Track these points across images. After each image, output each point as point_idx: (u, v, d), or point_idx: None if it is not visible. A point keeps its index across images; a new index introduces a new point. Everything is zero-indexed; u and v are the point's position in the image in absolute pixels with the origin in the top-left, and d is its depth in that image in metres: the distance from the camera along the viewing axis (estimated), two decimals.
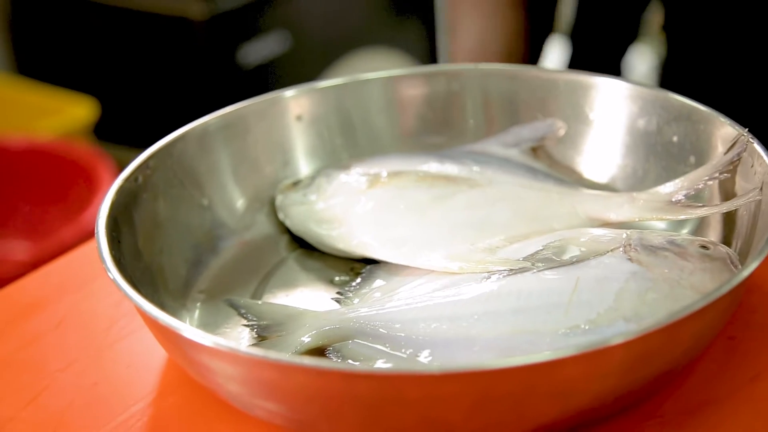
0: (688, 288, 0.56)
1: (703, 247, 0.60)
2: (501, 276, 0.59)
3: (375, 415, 0.50)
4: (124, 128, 1.92)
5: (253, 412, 0.55)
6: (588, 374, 0.49)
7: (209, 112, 0.72)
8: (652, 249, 0.59)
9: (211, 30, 1.83)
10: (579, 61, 1.38)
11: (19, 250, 1.50)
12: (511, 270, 0.59)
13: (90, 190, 1.44)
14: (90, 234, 1.32)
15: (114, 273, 0.56)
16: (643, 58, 2.12)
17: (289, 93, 0.75)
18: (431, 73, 0.78)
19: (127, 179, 0.65)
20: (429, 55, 2.18)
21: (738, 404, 0.55)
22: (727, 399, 0.55)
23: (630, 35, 1.45)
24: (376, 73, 0.77)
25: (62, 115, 1.70)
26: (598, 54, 1.40)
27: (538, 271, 0.58)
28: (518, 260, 0.60)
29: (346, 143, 0.76)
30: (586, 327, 0.54)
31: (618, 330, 0.53)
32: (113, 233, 0.61)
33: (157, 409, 0.58)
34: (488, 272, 0.60)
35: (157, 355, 0.63)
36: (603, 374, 0.49)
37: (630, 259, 0.58)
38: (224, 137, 0.73)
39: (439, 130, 0.77)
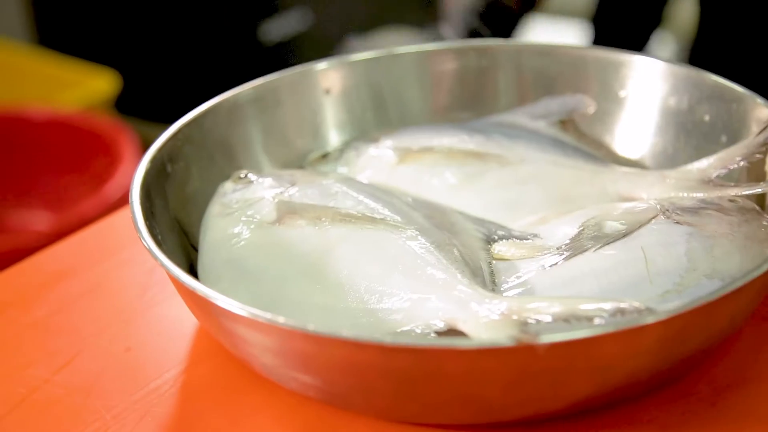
0: (745, 238, 0.57)
1: (731, 200, 0.61)
2: (561, 260, 0.58)
3: (411, 389, 0.50)
4: (144, 103, 1.92)
5: (286, 384, 0.55)
6: (625, 351, 0.49)
7: (229, 89, 0.72)
8: (692, 210, 0.60)
9: (233, 5, 1.83)
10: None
11: (40, 220, 1.50)
12: (565, 254, 0.59)
13: (111, 162, 1.44)
14: (111, 206, 1.34)
15: (149, 242, 0.56)
16: (665, 47, 2.11)
17: (320, 66, 0.75)
18: (462, 48, 0.78)
19: (159, 150, 0.65)
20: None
21: None
22: (760, 380, 0.55)
23: (653, 23, 1.44)
24: (408, 47, 0.77)
25: (83, 87, 1.70)
26: (619, 40, 1.39)
27: (596, 249, 0.58)
28: (567, 244, 0.60)
29: (376, 117, 0.76)
30: (677, 290, 0.54)
31: (706, 288, 0.53)
32: (146, 203, 0.61)
33: (189, 377, 0.59)
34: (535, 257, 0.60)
35: (188, 323, 0.63)
36: (640, 351, 0.49)
37: (678, 223, 0.58)
38: (255, 109, 0.73)
39: (469, 106, 0.77)
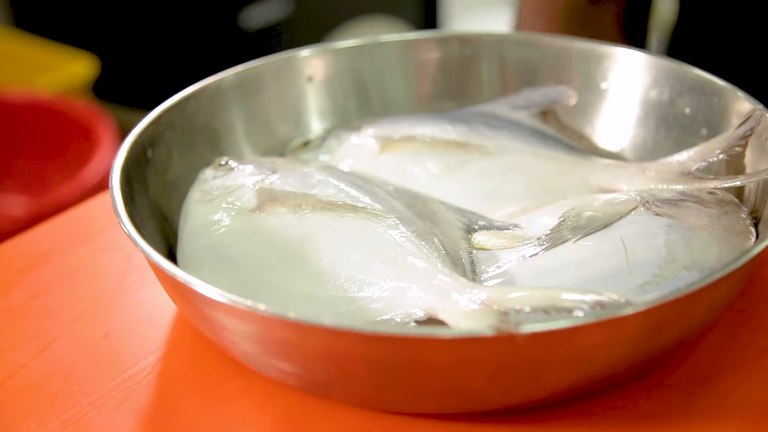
0: (723, 230, 0.58)
1: (710, 193, 0.62)
2: (541, 251, 0.58)
3: (392, 378, 0.50)
4: (122, 88, 1.90)
5: (265, 371, 0.55)
6: (605, 342, 0.49)
7: (208, 75, 0.72)
8: (672, 202, 0.60)
9: None
10: None
11: (16, 205, 1.49)
12: (545, 244, 0.59)
13: (89, 147, 1.43)
14: (89, 191, 1.33)
15: (129, 227, 0.55)
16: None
17: (303, 53, 0.75)
18: (445, 37, 0.78)
19: (139, 135, 0.65)
20: (430, 24, 2.17)
21: (747, 375, 0.55)
22: (736, 370, 0.56)
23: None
24: (391, 35, 0.77)
25: (61, 71, 1.68)
26: None
27: (576, 240, 0.58)
28: (548, 234, 0.60)
29: (359, 106, 0.76)
30: (656, 282, 0.54)
31: (685, 279, 0.54)
32: (126, 189, 0.60)
33: (168, 364, 0.58)
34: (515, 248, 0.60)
35: (166, 310, 0.63)
36: (620, 342, 0.50)
37: (657, 214, 0.59)
38: (237, 95, 0.72)
39: (452, 95, 0.77)
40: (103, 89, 1.80)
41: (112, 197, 0.58)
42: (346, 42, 0.76)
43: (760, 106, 0.63)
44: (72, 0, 1.94)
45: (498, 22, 2.34)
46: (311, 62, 0.75)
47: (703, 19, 1.03)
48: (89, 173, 1.37)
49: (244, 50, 1.85)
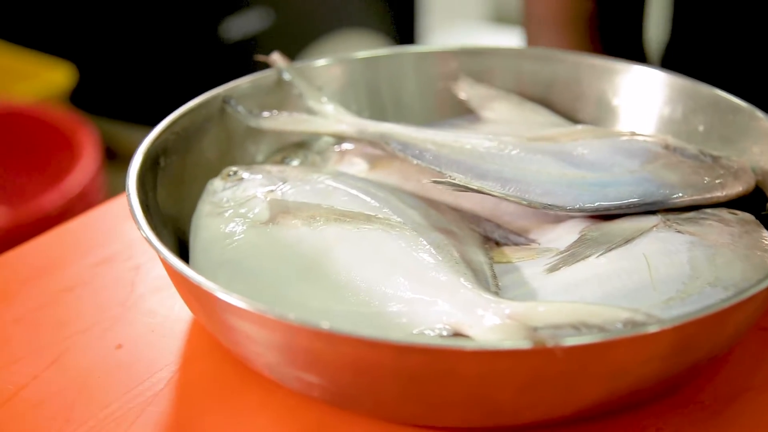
0: (746, 248, 0.58)
1: (731, 213, 0.62)
2: (563, 265, 0.58)
3: (422, 390, 0.49)
4: (101, 98, 1.88)
5: (288, 383, 0.54)
6: (638, 357, 0.49)
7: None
8: (693, 220, 0.60)
9: (195, 2, 1.80)
10: None
11: None
12: (567, 258, 0.58)
13: (70, 157, 1.41)
14: (71, 201, 1.31)
15: (152, 237, 0.54)
16: None
17: (318, 63, 0.75)
18: (458, 51, 0.77)
19: (152, 143, 0.64)
20: (407, 39, 2.18)
21: None
22: (762, 389, 0.56)
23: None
24: (407, 47, 0.77)
25: (38, 79, 1.66)
26: None
27: (599, 255, 0.58)
28: (567, 249, 0.59)
29: (373, 117, 0.75)
30: (681, 298, 0.54)
31: (709, 296, 0.53)
32: (142, 197, 0.59)
33: (185, 376, 0.57)
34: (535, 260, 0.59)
35: (179, 320, 0.61)
36: (652, 357, 0.49)
37: (679, 232, 0.58)
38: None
39: (467, 109, 0.76)
40: (81, 99, 1.78)
41: (130, 205, 0.57)
42: (361, 53, 0.76)
43: None
44: (50, 8, 1.91)
45: (474, 36, 2.35)
46: (323, 72, 0.74)
47: (694, 36, 1.04)
48: (71, 183, 1.35)
49: (222, 62, 1.83)
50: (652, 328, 0.47)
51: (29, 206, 1.34)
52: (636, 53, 1.00)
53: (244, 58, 1.82)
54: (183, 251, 0.62)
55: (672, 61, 1.09)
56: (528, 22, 0.96)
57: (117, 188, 0.72)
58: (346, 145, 0.71)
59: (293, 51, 1.91)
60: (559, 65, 0.75)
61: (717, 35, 1.02)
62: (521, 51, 0.77)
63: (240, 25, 1.87)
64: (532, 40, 0.96)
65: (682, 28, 1.06)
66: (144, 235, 0.54)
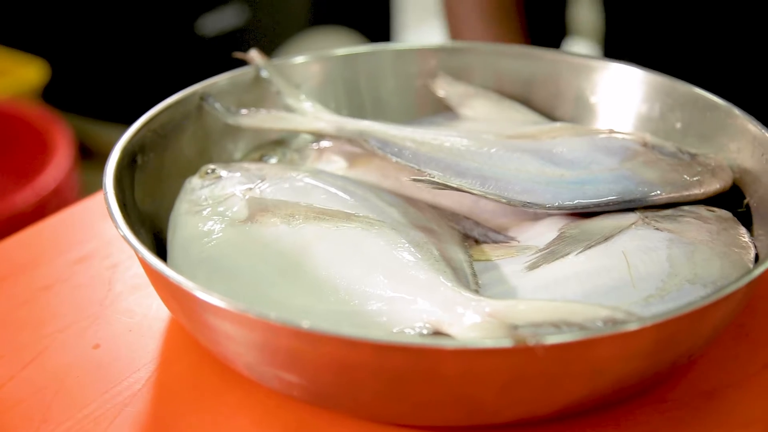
0: (724, 245, 0.58)
1: (709, 210, 0.62)
2: (543, 262, 0.58)
3: (402, 390, 0.49)
4: (74, 95, 1.86)
5: (268, 383, 0.54)
6: (619, 354, 0.49)
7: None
8: (671, 217, 0.60)
9: None
10: None
11: None
12: (546, 256, 0.58)
13: (44, 154, 1.39)
14: (44, 198, 1.30)
15: (130, 237, 0.53)
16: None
17: (297, 60, 0.75)
18: (439, 48, 0.77)
19: (129, 141, 0.63)
20: (384, 35, 2.17)
21: (750, 391, 0.56)
22: (738, 386, 0.56)
23: (559, 32, 1.44)
24: (385, 45, 0.77)
25: (10, 76, 1.64)
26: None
27: (578, 253, 0.58)
28: (546, 247, 0.59)
29: (352, 114, 0.75)
30: (660, 295, 0.54)
31: (688, 294, 0.54)
32: (119, 195, 0.58)
33: (163, 376, 0.57)
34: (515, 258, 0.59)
35: (157, 320, 0.61)
36: (632, 355, 0.49)
37: (657, 229, 0.59)
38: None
39: (446, 106, 0.76)
40: (54, 96, 1.76)
41: (107, 203, 0.56)
42: (339, 50, 0.75)
43: (758, 124, 0.64)
44: (23, 4, 1.89)
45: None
46: (301, 69, 0.74)
47: (629, 23, 1.05)
48: (44, 181, 1.34)
49: (198, 58, 1.82)
50: (632, 326, 0.47)
51: (2, 204, 1.33)
52: (558, 33, 1.00)
53: (220, 54, 1.80)
54: (161, 249, 0.62)
55: (613, 51, 1.09)
56: (449, 13, 0.97)
57: (93, 187, 0.72)
58: (325, 143, 0.71)
59: (269, 47, 1.90)
60: (538, 63, 0.75)
61: (650, 20, 1.02)
62: (500, 48, 0.77)
63: (216, 21, 1.86)
64: (454, 32, 0.96)
65: (615, 16, 1.06)
66: (121, 234, 0.54)
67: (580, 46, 1.98)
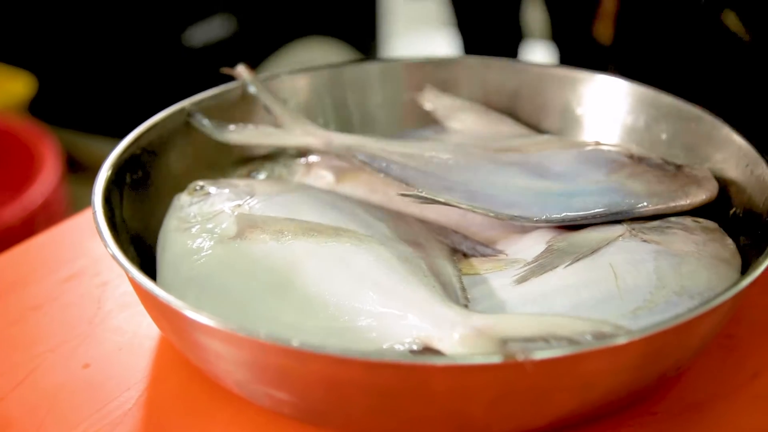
0: (710, 257, 0.58)
1: (694, 221, 0.62)
2: (531, 276, 0.58)
3: (393, 406, 0.49)
4: (61, 108, 1.86)
5: (258, 400, 0.54)
6: (608, 368, 0.49)
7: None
8: (658, 228, 0.60)
9: (157, 9, 1.79)
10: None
11: None
12: (534, 269, 0.58)
13: (32, 168, 1.39)
14: (32, 213, 1.30)
15: (118, 255, 0.54)
16: (538, 55, 2.11)
17: (283, 75, 0.74)
18: (425, 61, 0.78)
19: (118, 158, 0.63)
20: (373, 46, 2.18)
21: (737, 402, 0.56)
22: (726, 397, 0.56)
23: (515, 36, 1.44)
24: (373, 60, 0.77)
25: None
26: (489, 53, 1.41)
27: (566, 266, 0.58)
28: (535, 260, 0.60)
29: (340, 129, 0.75)
30: (648, 307, 0.54)
31: (676, 305, 0.54)
32: (108, 213, 0.59)
33: (154, 394, 0.57)
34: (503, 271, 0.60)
35: (147, 338, 0.61)
36: (621, 368, 0.50)
37: (645, 241, 0.59)
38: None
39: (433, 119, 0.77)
40: (41, 109, 1.76)
41: (96, 222, 0.57)
42: (326, 65, 0.76)
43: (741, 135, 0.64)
44: (8, 16, 1.89)
45: (435, 42, 2.36)
46: (287, 84, 0.74)
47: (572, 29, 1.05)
48: (32, 195, 1.34)
49: (185, 70, 1.82)
50: (621, 340, 0.48)
51: None
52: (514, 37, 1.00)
53: (206, 66, 1.81)
54: (150, 266, 0.62)
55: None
56: None
57: (81, 200, 0.72)
58: (313, 158, 0.71)
59: (257, 58, 1.91)
60: (524, 75, 0.75)
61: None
62: (486, 61, 0.77)
63: (203, 33, 1.86)
64: None
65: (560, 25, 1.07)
66: (111, 253, 0.54)
67: (538, 47, 1.98)
